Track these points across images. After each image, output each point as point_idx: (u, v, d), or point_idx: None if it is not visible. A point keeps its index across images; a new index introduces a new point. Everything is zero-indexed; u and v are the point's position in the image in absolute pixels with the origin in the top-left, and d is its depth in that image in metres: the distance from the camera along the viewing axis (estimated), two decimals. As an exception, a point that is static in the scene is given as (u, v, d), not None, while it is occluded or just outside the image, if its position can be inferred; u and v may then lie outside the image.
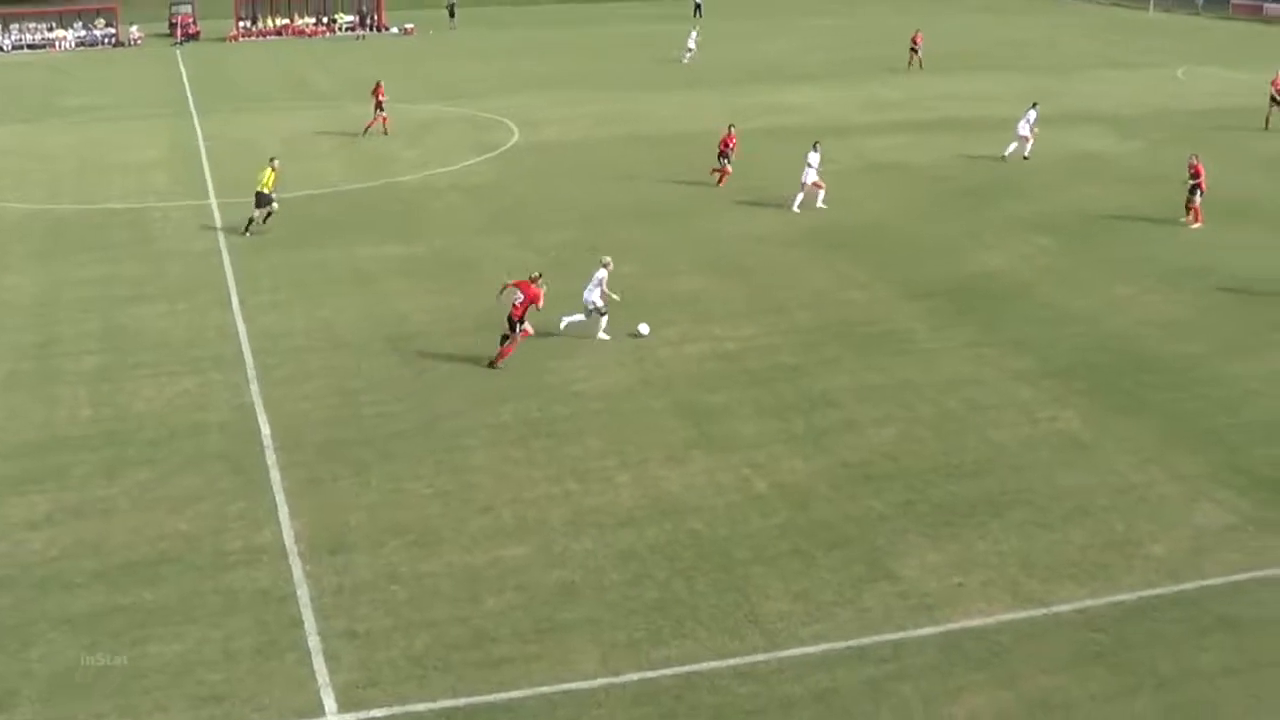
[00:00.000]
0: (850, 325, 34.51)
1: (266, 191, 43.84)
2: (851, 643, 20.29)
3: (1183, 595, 21.62)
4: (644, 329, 34.04)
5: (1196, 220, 43.82)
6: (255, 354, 32.75)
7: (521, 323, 31.84)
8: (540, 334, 33.32)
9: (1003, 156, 55.05)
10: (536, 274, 32.53)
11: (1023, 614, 21.03)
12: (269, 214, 44.09)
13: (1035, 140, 54.70)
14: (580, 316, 33.68)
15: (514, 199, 48.78)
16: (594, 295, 33.48)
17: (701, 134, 60.09)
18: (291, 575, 22.33)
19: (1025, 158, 54.66)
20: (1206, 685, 19.24)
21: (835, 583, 21.98)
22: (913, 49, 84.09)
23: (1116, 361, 31.97)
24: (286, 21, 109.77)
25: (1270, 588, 21.87)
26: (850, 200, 47.75)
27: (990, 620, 20.86)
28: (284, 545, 23.33)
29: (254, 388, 30.58)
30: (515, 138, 60.57)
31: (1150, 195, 48.25)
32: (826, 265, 39.78)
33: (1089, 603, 21.37)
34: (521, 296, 31.71)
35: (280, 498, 25.07)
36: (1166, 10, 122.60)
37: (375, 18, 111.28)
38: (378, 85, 62.21)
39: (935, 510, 24.43)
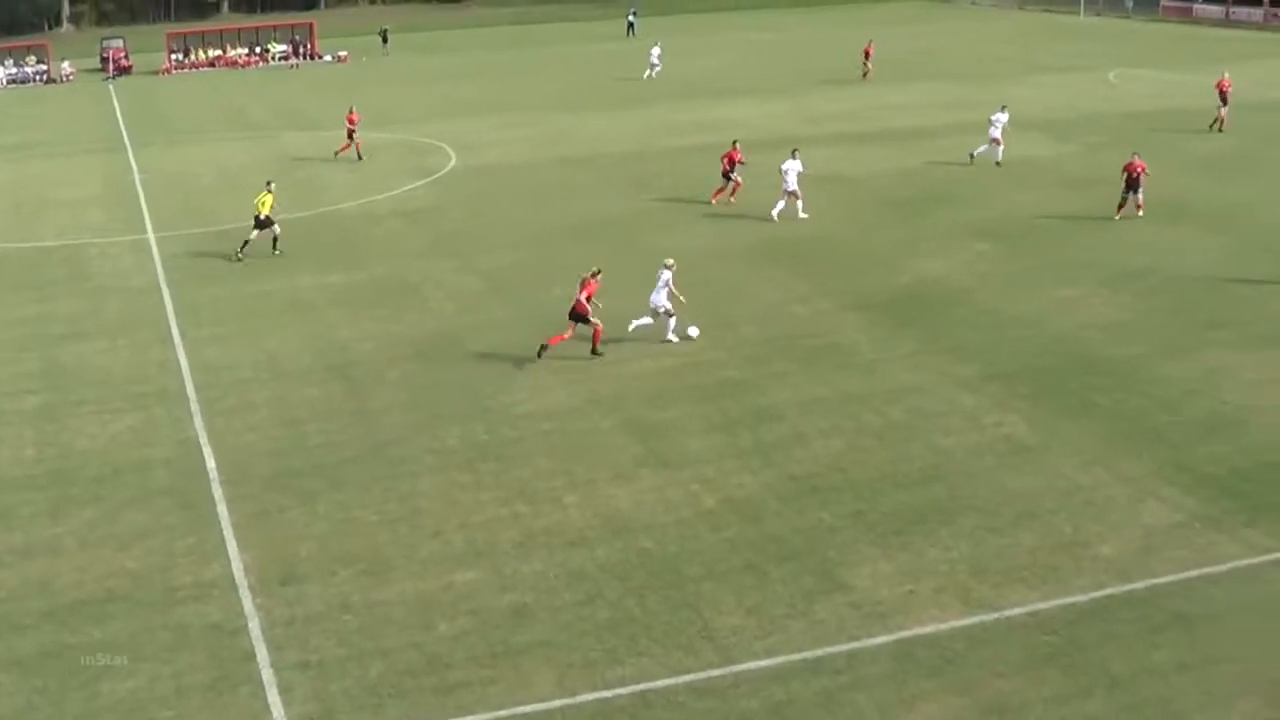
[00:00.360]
0: (795, 338, 34.60)
1: (265, 215, 43.89)
2: (805, 655, 20.30)
3: (1133, 594, 21.74)
4: (694, 331, 34.62)
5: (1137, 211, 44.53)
6: (198, 387, 32.55)
7: (585, 316, 33.07)
8: (484, 355, 33.36)
9: (970, 156, 55.69)
10: (596, 269, 33.81)
11: (975, 619, 21.10)
12: (275, 237, 44.27)
13: (1004, 143, 55.34)
14: (648, 320, 34.36)
15: (454, 223, 48.74)
16: (661, 297, 34.17)
17: (639, 152, 60.50)
18: (242, 608, 22.18)
19: (998, 163, 55.13)
20: (1160, 683, 19.34)
21: (787, 595, 22.00)
22: (865, 59, 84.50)
23: (1059, 365, 32.16)
24: (219, 53, 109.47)
25: (1219, 584, 22.02)
26: (790, 214, 47.86)
27: (943, 627, 20.92)
28: (234, 578, 23.18)
29: (198, 421, 30.39)
30: (453, 162, 60.51)
31: (1088, 198, 48.60)
32: (769, 279, 39.88)
33: (1040, 605, 21.46)
34: (584, 293, 33.19)
35: (228, 531, 24.91)
36: (1097, 14, 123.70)
37: (308, 46, 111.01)
38: (350, 111, 62.21)
39: (885, 519, 24.50)
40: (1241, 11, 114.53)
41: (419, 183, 56.18)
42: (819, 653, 20.35)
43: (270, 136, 70.31)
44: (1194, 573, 22.35)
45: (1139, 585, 21.99)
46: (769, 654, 20.36)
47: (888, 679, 19.62)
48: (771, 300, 37.86)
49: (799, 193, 47.02)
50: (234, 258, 44.12)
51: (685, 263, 39.81)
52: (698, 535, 24.18)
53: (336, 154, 61.81)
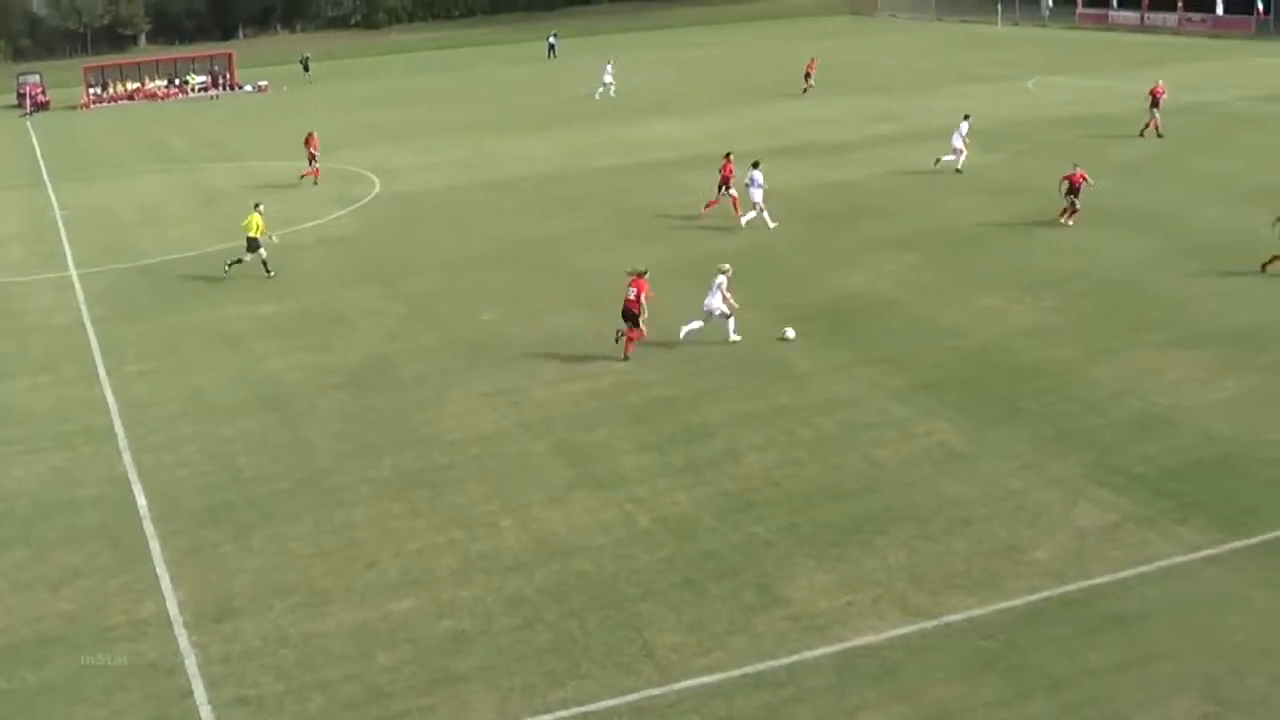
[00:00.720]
0: (724, 354, 34.61)
1: (256, 237, 44.51)
2: (746, 670, 20.27)
3: (1070, 596, 21.86)
4: (790, 333, 35.35)
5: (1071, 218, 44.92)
6: (126, 424, 32.25)
7: (637, 316, 34.02)
8: (414, 382, 33.26)
9: (935, 161, 56.33)
10: (644, 269, 34.86)
11: (913, 627, 21.16)
12: (265, 261, 44.80)
13: (967, 152, 56.00)
14: (698, 324, 35.09)
15: (379, 250, 48.57)
16: (715, 301, 34.94)
17: (564, 173, 60.48)
18: (178, 646, 21.96)
19: (958, 170, 55.66)
20: (1099, 683, 19.44)
21: (726, 611, 22.00)
22: (807, 74, 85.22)
23: (988, 372, 32.36)
24: (138, 86, 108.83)
25: (1154, 582, 22.18)
26: (716, 229, 48.03)
27: (882, 636, 20.96)
28: (169, 616, 22.94)
29: (127, 458, 30.11)
30: (377, 189, 60.33)
31: (1013, 206, 49.04)
32: (697, 296, 39.74)
33: (978, 611, 21.54)
34: (635, 291, 34.14)
35: (161, 568, 24.66)
36: (1014, 23, 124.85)
37: (228, 77, 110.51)
38: (310, 136, 62.60)
39: (821, 531, 24.54)
40: (1156, 17, 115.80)
41: (343, 211, 55.96)
42: (760, 667, 20.33)
43: (192, 169, 69.93)
44: (1128, 573, 22.49)
45: (1075, 587, 22.12)
46: (710, 670, 20.32)
47: (829, 690, 19.63)
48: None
49: (762, 204, 47.71)
50: (224, 270, 44.99)
51: (614, 283, 39.87)
52: (634, 555, 24.14)
53: (302, 177, 62.20)
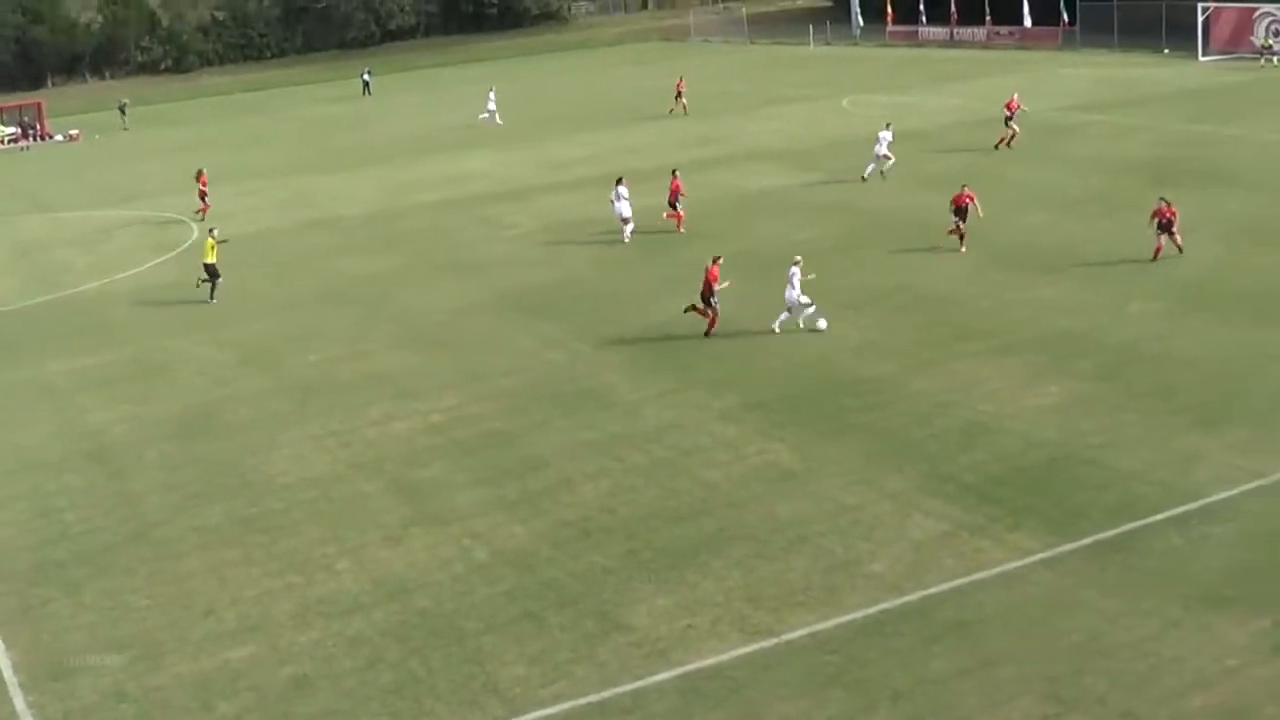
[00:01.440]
0: (553, 385, 34.58)
1: (212, 262, 46.10)
2: (591, 698, 20.25)
3: (908, 607, 22.12)
4: (822, 324, 36.88)
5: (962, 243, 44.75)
6: (-55, 486, 31.42)
7: (714, 297, 37.03)
8: (242, 428, 32.80)
9: (862, 178, 57.14)
10: (718, 257, 37.99)
11: (755, 646, 21.26)
12: (214, 286, 46.40)
13: (894, 158, 57.09)
14: (785, 315, 36.93)
15: (200, 296, 47.75)
16: (795, 293, 36.73)
17: (384, 211, 60.07)
18: (14, 707, 21.43)
19: (883, 174, 56.90)
20: (942, 690, 19.68)
21: (569, 641, 21.94)
22: (678, 95, 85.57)
23: (815, 389, 32.67)
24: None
25: (989, 588, 22.52)
26: (539, 260, 48.10)
27: (724, 657, 21.03)
28: (2, 677, 22.37)
29: (-53, 521, 29.33)
30: (194, 235, 59.25)
31: (831, 224, 49.61)
32: (523, 328, 39.86)
33: (818, 627, 21.71)
34: (708, 276, 37.44)
35: (-11, 630, 24.08)
36: (826, 43, 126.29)
37: (38, 127, 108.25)
38: (200, 173, 62.82)
39: (658, 556, 24.57)
40: (965, 32, 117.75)
41: (161, 258, 54.98)
42: (605, 695, 20.31)
43: (4, 221, 68.30)
44: (964, 580, 22.83)
45: (913, 597, 22.39)
46: (555, 700, 20.26)
47: (674, 714, 19.65)
48: (526, 349, 37.83)
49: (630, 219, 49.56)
50: (209, 300, 46.29)
51: (435, 319, 39.92)
52: (473, 590, 24.00)
53: (197, 213, 62.25)
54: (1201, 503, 24.98)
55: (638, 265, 46.46)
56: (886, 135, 57.37)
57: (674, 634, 21.87)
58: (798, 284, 36.72)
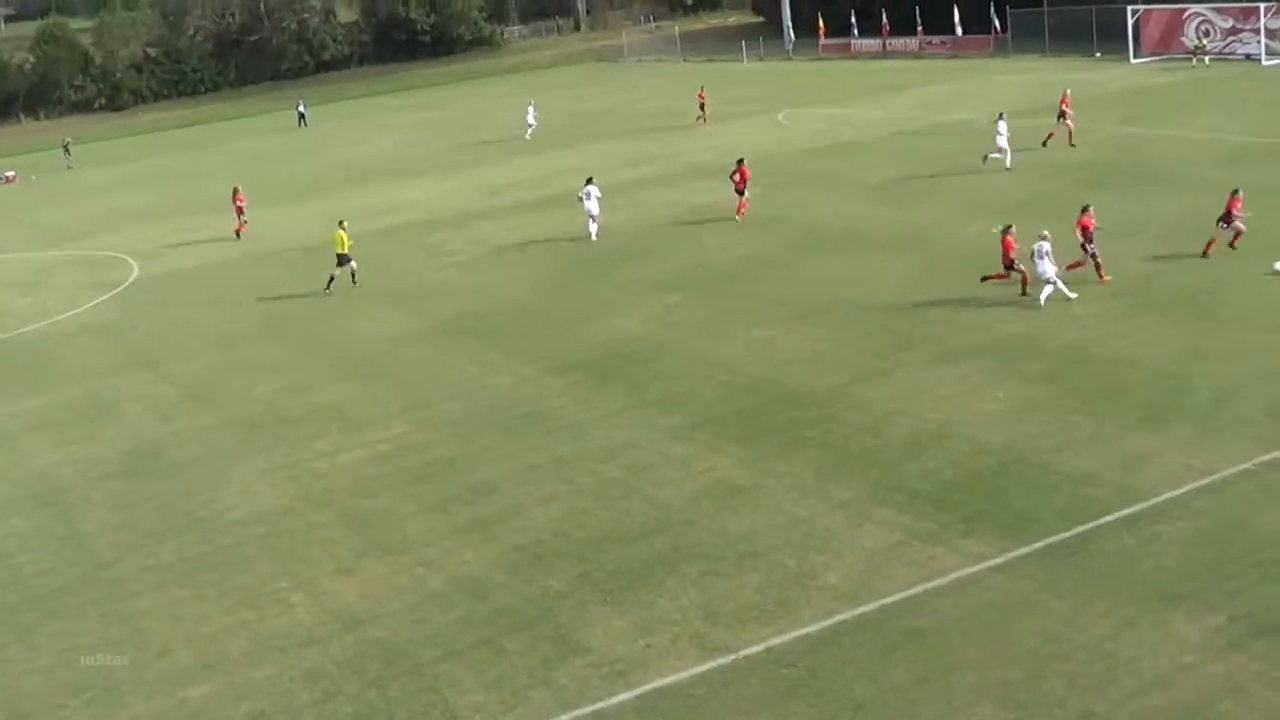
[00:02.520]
0: (499, 410, 34.44)
1: (345, 252, 48.90)
2: (551, 722, 20.17)
3: (864, 617, 22.09)
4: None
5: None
6: (-112, 536, 31.02)
7: (1013, 265, 38.41)
8: (190, 465, 32.54)
9: (984, 158, 58.18)
10: (1008, 225, 39.07)
11: (713, 663, 21.18)
12: (353, 271, 49.42)
13: (999, 153, 58.01)
14: (1049, 289, 37.58)
15: (144, 334, 47.46)
16: (1046, 266, 37.51)
17: (323, 243, 59.58)
18: (-35, 758, 21.19)
19: (1008, 168, 57.52)
20: (901, 699, 19.66)
21: (526, 666, 21.81)
22: (700, 106, 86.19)
23: (763, 404, 32.65)
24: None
25: (944, 595, 22.52)
26: (480, 286, 47.93)
27: (682, 675, 20.95)
28: (-47, 728, 22.14)
29: (-107, 570, 28.95)
30: (136, 272, 58.96)
31: (771, 239, 49.66)
32: (467, 354, 39.71)
33: (775, 641, 21.64)
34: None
35: (-62, 680, 23.76)
36: (760, 58, 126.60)
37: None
38: (236, 191, 64.26)
39: (612, 577, 24.47)
40: (898, 42, 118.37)
41: (103, 297, 54.57)
42: (564, 718, 20.22)
43: (-62, 268, 67.74)
44: (920, 588, 22.81)
45: (868, 607, 22.36)
46: (514, 727, 20.17)
47: (635, 736, 19.57)
48: (471, 374, 37.68)
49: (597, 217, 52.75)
50: (324, 293, 49.23)
51: (379, 348, 39.77)
52: (429, 618, 23.84)
53: (236, 231, 63.79)
54: (1152, 502, 25.05)
55: (580, 287, 46.35)
56: (1002, 126, 58.19)
57: (631, 654, 21.77)
58: (1046, 258, 37.46)
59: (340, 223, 49.80)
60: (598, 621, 23.00)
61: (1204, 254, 39.73)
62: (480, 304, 45.39)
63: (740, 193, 54.06)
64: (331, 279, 49.21)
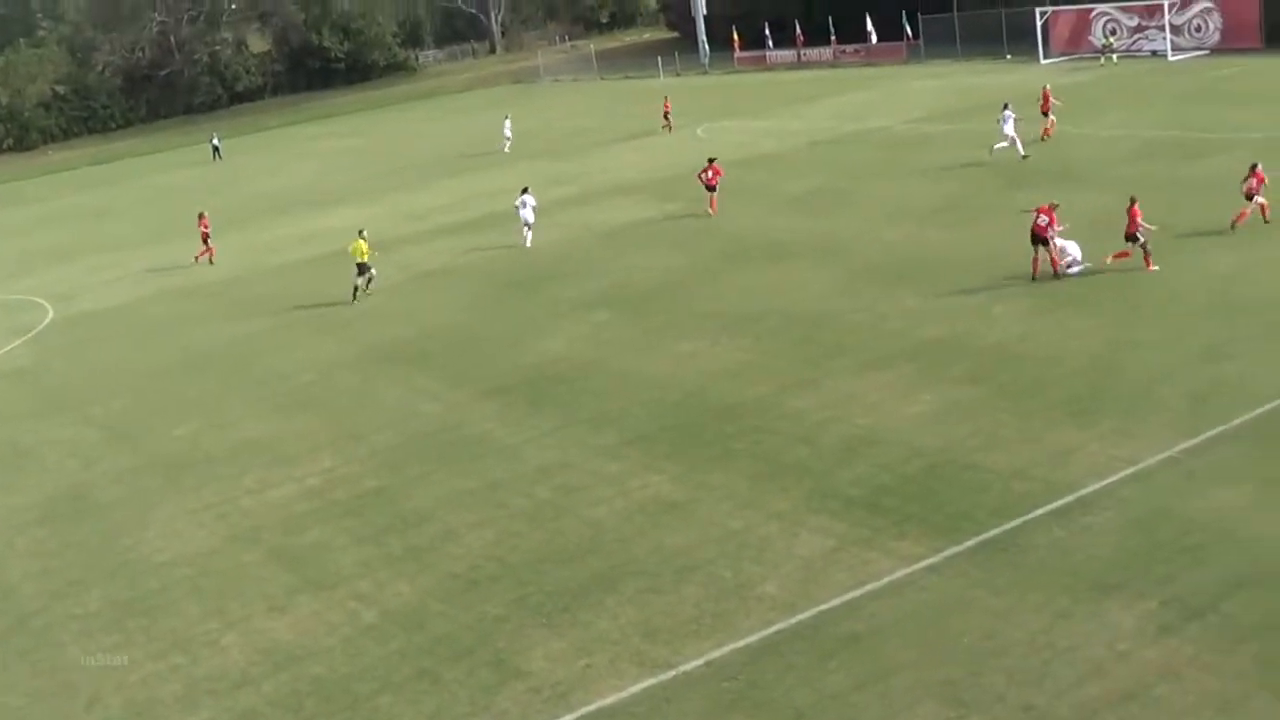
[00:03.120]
0: (430, 437, 34.21)
1: (364, 261, 49.86)
2: (493, 750, 20.03)
3: (802, 625, 22.09)
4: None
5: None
6: None
7: (1046, 241, 39.16)
8: (114, 507, 32.15)
9: (990, 150, 58.82)
10: (1055, 203, 39.68)
11: (653, 680, 21.10)
12: (370, 279, 50.31)
13: (1006, 142, 58.69)
14: (1076, 267, 39.47)
15: (61, 377, 46.84)
16: (1073, 246, 39.46)
17: (244, 275, 59.33)
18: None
19: (1024, 156, 58.22)
20: (842, 704, 19.66)
21: (466, 694, 21.64)
22: (665, 115, 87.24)
23: (694, 417, 32.61)
24: None
25: (879, 599, 22.56)
26: (407, 312, 47.65)
27: (624, 694, 20.86)
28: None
29: None
30: (50, 315, 58.16)
31: (697, 251, 49.72)
32: (395, 381, 39.44)
33: (715, 654, 21.60)
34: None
35: None
36: (676, 74, 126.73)
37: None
38: (201, 216, 64.31)
39: (549, 599, 24.33)
40: (812, 53, 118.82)
41: (16, 342, 53.75)
42: (506, 745, 20.09)
43: None
44: (856, 593, 22.84)
45: (806, 615, 22.35)
46: (456, 757, 20.01)
47: (578, 758, 19.45)
48: (399, 402, 37.42)
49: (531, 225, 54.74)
50: (350, 303, 50.00)
51: (304, 380, 39.47)
52: (364, 651, 23.60)
53: (198, 257, 63.77)
54: (1080, 494, 25.28)
55: (507, 309, 46.14)
56: (1009, 115, 58.93)
57: (572, 676, 21.65)
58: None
59: (360, 231, 51.21)
60: (537, 645, 22.85)
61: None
62: (407, 330, 45.12)
63: (711, 189, 55.89)
64: (356, 289, 50.25)
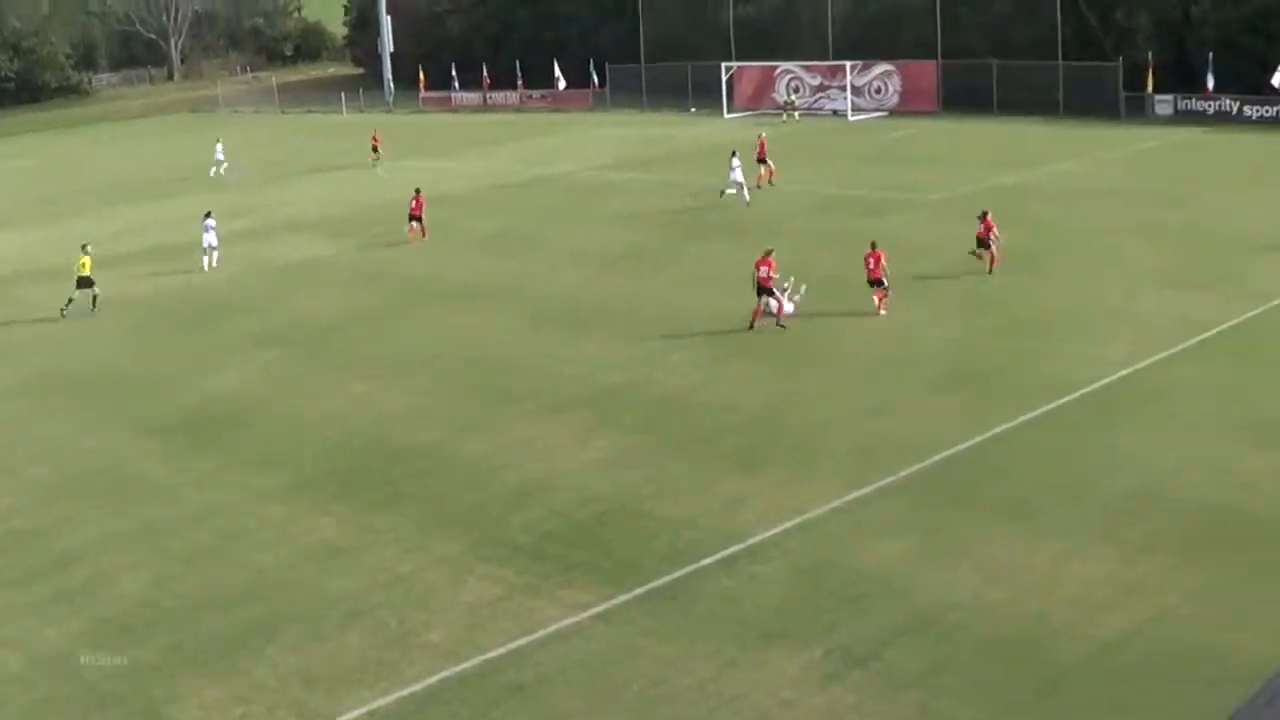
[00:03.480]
0: (87, 475, 32.74)
1: (88, 275, 48.53)
2: (139, 806, 19.16)
3: (467, 673, 21.73)
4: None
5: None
6: None
7: (772, 291, 39.22)
8: None
9: (720, 193, 60.08)
10: (769, 249, 39.78)
11: (312, 731, 20.53)
12: (95, 296, 48.67)
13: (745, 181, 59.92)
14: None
15: None
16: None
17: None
18: None
19: (748, 203, 59.46)
20: (502, 757, 19.36)
21: (112, 746, 20.72)
22: (374, 148, 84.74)
23: (365, 460, 32.00)
24: None
25: (546, 646, 22.36)
26: (72, 342, 45.73)
27: (280, 747, 20.22)
28: None
29: None
30: None
31: (373, 291, 49.14)
32: (54, 414, 37.77)
33: (378, 703, 21.09)
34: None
35: None
36: (360, 110, 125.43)
37: None
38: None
39: (206, 646, 23.44)
40: (499, 96, 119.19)
41: None
42: (153, 801, 19.25)
43: None
44: (522, 641, 22.58)
45: (471, 663, 22.01)
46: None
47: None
48: (57, 437, 35.76)
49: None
50: (60, 315, 48.52)
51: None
52: (9, 701, 22.36)
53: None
54: (748, 543, 25.53)
55: (176, 344, 44.58)
56: (735, 162, 59.75)
57: (227, 727, 20.91)
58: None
59: (84, 246, 49.97)
60: (192, 693, 21.98)
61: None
62: (71, 362, 43.25)
63: (415, 219, 56.96)
64: (70, 300, 48.63)
